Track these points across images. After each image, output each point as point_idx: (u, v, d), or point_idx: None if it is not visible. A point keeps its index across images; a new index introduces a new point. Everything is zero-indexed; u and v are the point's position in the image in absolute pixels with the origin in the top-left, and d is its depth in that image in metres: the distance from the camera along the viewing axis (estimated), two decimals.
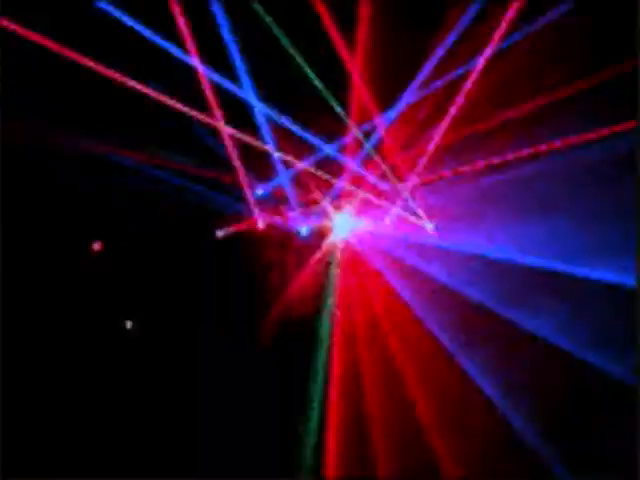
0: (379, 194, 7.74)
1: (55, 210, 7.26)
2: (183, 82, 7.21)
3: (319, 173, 7.60)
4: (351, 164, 7.65)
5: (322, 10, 7.09)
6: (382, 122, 7.55)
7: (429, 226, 7.60)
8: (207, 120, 7.27)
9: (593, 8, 6.78)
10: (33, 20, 6.66)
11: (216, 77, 7.27)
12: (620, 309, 6.60)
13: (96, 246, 7.44)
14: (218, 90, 7.29)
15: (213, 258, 7.55)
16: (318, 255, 7.67)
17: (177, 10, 6.92)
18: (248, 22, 7.13)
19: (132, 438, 7.04)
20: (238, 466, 6.88)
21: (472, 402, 7.01)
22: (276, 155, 7.50)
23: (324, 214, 7.75)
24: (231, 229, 7.67)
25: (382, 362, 7.36)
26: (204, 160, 7.52)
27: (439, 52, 7.32)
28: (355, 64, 7.32)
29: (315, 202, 7.73)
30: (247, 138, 7.39)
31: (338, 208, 7.77)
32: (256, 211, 7.63)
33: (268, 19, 7.10)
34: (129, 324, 7.41)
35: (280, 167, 7.62)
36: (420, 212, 7.63)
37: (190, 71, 7.19)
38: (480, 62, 7.18)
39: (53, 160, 7.19)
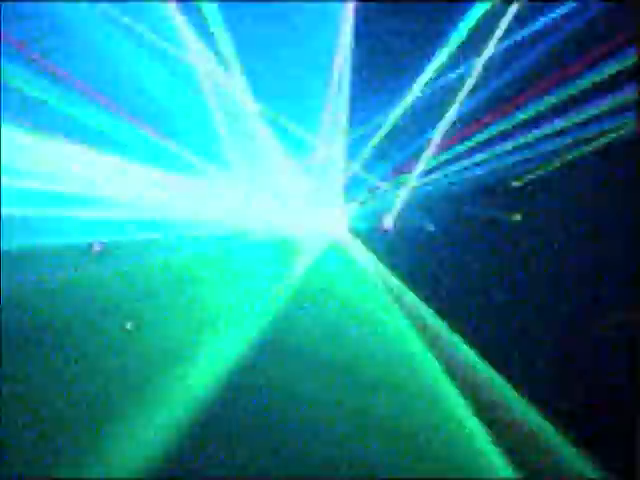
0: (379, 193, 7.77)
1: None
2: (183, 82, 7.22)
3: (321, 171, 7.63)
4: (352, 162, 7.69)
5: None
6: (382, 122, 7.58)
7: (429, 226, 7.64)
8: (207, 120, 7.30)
9: (593, 7, 6.81)
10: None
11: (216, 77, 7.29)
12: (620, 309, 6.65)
13: (96, 247, 7.44)
14: (218, 90, 7.31)
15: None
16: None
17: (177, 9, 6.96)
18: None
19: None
20: None
21: None
22: (276, 154, 7.51)
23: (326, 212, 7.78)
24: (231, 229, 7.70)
25: None
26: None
27: (439, 50, 7.34)
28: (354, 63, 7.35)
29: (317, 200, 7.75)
30: (247, 138, 7.41)
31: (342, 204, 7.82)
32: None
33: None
34: (129, 324, 7.41)
35: (281, 166, 7.64)
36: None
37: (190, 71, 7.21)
38: (480, 62, 7.22)
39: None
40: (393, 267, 7.59)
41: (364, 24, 7.27)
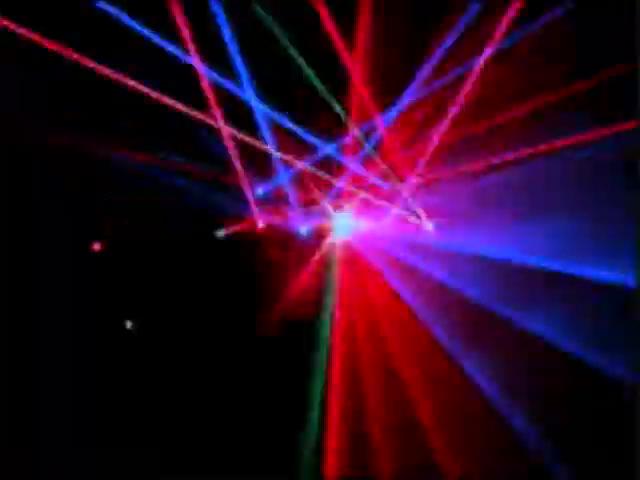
0: (379, 194, 7.75)
1: (55, 211, 7.27)
2: (183, 82, 7.21)
3: (319, 173, 7.60)
4: (351, 164, 7.65)
5: (322, 9, 7.10)
6: (382, 122, 7.55)
7: (429, 226, 7.62)
8: (207, 120, 7.28)
9: (593, 8, 6.78)
10: (33, 20, 6.68)
11: (216, 77, 7.28)
12: (620, 309, 6.62)
13: (96, 247, 7.44)
14: (218, 90, 7.30)
15: (213, 258, 7.57)
16: (318, 255, 7.68)
17: (177, 10, 6.93)
18: (248, 22, 7.15)
19: (129, 436, 7.05)
20: (236, 466, 6.89)
21: (471, 402, 7.02)
22: (276, 155, 7.50)
23: (324, 214, 7.75)
24: (231, 229, 7.68)
25: (382, 362, 7.36)
26: (203, 160, 7.52)
27: (439, 51, 7.33)
28: (355, 63, 7.32)
29: (315, 202, 7.73)
30: (247, 138, 7.40)
31: (338, 208, 7.77)
32: (256, 211, 7.63)
33: (268, 19, 7.12)
34: (129, 324, 7.42)
35: (280, 167, 7.62)
36: (420, 212, 7.64)
37: (190, 71, 7.19)
38: (480, 62, 7.20)
39: (52, 160, 7.19)
40: None
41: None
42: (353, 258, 7.71)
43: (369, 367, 7.36)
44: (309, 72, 7.25)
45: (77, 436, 6.92)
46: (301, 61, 7.21)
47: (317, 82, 7.28)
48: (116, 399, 7.10)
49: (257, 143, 7.42)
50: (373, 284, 7.60)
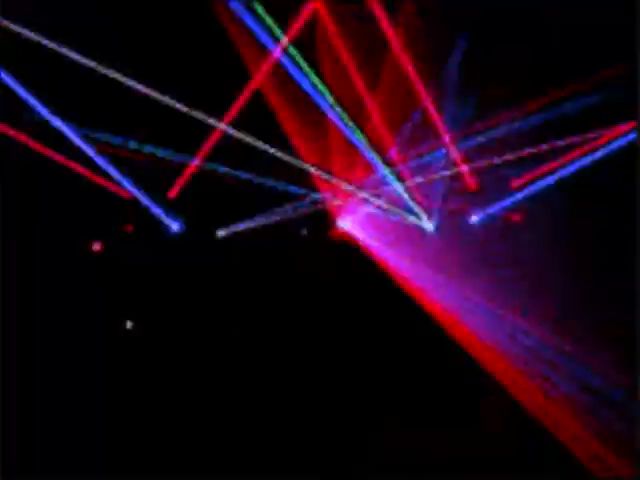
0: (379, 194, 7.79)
1: (54, 210, 7.24)
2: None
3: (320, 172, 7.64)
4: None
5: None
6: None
7: (428, 226, 7.68)
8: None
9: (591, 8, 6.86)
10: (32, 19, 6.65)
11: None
12: None
13: (96, 247, 7.40)
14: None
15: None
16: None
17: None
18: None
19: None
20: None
21: None
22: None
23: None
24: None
25: None
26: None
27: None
28: (356, 67, 7.38)
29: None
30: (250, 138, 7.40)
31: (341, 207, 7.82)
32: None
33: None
34: (129, 324, 7.39)
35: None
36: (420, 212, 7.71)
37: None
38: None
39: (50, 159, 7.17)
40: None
41: None
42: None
43: None
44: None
45: (77, 437, 6.87)
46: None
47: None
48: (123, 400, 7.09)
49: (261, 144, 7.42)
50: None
